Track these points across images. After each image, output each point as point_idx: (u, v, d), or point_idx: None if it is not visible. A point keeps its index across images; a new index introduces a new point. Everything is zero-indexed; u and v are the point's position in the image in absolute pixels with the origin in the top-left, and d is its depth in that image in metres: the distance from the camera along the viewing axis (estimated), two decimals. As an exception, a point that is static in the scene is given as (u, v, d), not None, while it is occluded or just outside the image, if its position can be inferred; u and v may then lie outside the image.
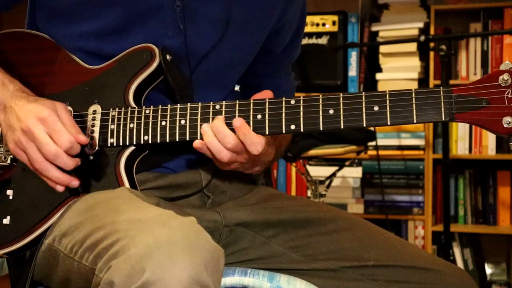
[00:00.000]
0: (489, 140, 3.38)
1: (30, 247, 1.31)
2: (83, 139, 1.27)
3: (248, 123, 1.26)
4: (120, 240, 1.06)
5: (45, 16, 1.41)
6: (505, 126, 1.16)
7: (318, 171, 3.40)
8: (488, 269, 3.53)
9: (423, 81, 3.44)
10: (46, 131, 1.24)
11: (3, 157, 1.37)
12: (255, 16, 1.43)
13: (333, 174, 3.13)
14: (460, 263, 3.43)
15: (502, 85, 1.17)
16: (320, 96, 1.25)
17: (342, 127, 1.23)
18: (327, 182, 3.10)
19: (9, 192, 1.34)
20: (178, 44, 1.36)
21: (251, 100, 1.28)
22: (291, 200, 1.50)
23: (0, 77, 1.31)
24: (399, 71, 3.43)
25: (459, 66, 3.45)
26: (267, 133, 1.26)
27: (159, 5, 1.34)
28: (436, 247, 3.47)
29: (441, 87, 1.20)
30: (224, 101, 1.29)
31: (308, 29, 3.44)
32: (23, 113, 1.25)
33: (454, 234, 3.43)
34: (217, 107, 1.28)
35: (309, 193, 3.22)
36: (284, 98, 1.26)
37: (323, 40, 3.48)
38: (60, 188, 1.27)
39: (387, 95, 1.21)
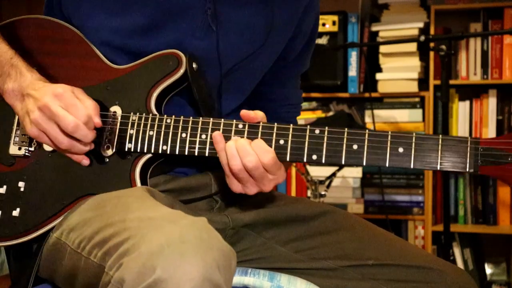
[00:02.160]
0: (489, 140, 3.38)
1: (36, 242, 1.31)
2: (98, 121, 1.27)
3: (270, 146, 1.25)
4: (131, 238, 1.05)
5: (73, 5, 1.40)
6: None
7: (318, 171, 3.40)
8: (488, 269, 3.52)
9: (423, 81, 3.44)
10: (62, 106, 1.24)
11: (17, 148, 1.36)
12: (286, 23, 1.43)
13: (333, 174, 3.13)
14: (460, 263, 3.43)
15: None
16: (346, 130, 1.24)
17: (364, 164, 1.22)
18: (327, 182, 3.10)
19: (21, 184, 1.34)
20: (206, 46, 1.36)
21: (275, 124, 1.27)
22: (292, 201, 1.51)
23: (19, 67, 1.31)
24: (399, 71, 3.43)
25: (459, 66, 3.45)
26: (287, 159, 1.26)
27: (189, 6, 1.34)
28: (436, 247, 3.47)
29: (469, 138, 1.20)
30: (247, 122, 1.27)
31: (308, 29, 3.44)
32: (39, 94, 1.25)
33: (454, 234, 3.43)
34: (240, 126, 1.27)
35: (309, 193, 3.21)
36: (308, 127, 1.25)
37: (323, 40, 3.47)
38: (86, 162, 1.29)
39: (414, 138, 1.20)
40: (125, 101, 1.33)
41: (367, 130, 1.23)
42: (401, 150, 1.20)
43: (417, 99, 3.42)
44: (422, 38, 2.78)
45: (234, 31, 1.37)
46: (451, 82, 3.30)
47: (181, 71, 1.31)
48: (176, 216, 1.10)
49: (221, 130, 1.27)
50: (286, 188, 3.69)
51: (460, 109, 3.41)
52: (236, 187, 1.28)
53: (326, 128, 1.24)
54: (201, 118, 1.29)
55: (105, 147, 1.30)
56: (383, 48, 3.45)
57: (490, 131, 3.36)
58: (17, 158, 1.36)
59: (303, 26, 1.50)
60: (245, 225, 1.40)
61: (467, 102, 3.40)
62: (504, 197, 3.43)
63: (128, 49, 1.36)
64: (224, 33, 1.36)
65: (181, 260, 0.98)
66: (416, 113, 3.43)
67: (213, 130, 1.28)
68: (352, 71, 3.51)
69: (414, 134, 1.21)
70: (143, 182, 1.29)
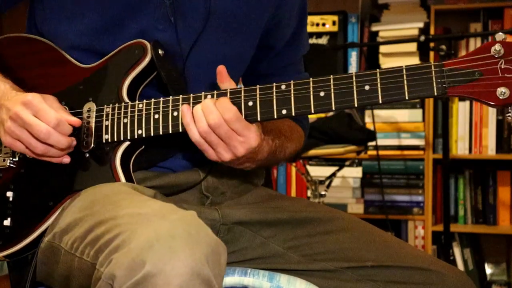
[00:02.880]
0: (489, 140, 3.38)
1: (31, 248, 1.31)
2: (74, 120, 1.29)
3: (240, 110, 1.26)
4: (121, 234, 1.06)
5: (42, 15, 1.42)
6: (499, 97, 1.15)
7: (318, 171, 3.40)
8: (488, 269, 3.53)
9: (423, 81, 3.44)
10: (32, 113, 1.25)
11: (2, 159, 1.37)
12: (241, 10, 1.42)
13: (333, 174, 3.13)
14: (460, 263, 3.43)
15: (495, 56, 1.15)
16: (311, 79, 1.25)
17: (333, 108, 1.22)
18: (327, 182, 3.10)
19: (9, 194, 1.35)
20: (169, 37, 1.37)
21: (242, 87, 1.28)
22: (290, 201, 1.51)
23: None
24: (399, 71, 3.43)
25: (459, 66, 3.45)
26: (258, 119, 1.27)
27: None
28: (436, 247, 3.47)
29: (432, 62, 1.19)
30: (215, 91, 1.29)
31: (308, 29, 3.43)
32: (10, 103, 1.27)
33: (454, 234, 3.43)
34: (209, 96, 1.28)
35: (309, 193, 3.22)
36: (274, 84, 1.26)
37: (323, 40, 3.48)
38: (66, 160, 1.30)
39: (378, 74, 1.21)
40: (98, 96, 1.35)
41: (331, 76, 1.23)
42: (367, 87, 1.20)
43: (417, 99, 3.42)
44: (422, 38, 2.78)
45: (187, 16, 1.38)
46: (451, 82, 3.30)
47: (147, 58, 1.33)
48: (166, 211, 1.11)
49: (191, 104, 1.28)
50: (286, 188, 3.69)
51: (460, 109, 3.41)
52: (211, 154, 1.28)
53: (292, 81, 1.26)
54: (170, 96, 1.31)
55: (84, 143, 1.32)
56: (383, 48, 3.45)
57: (490, 131, 3.36)
58: (2, 170, 1.37)
59: (284, 12, 1.49)
60: (238, 222, 1.40)
61: (467, 102, 3.40)
62: (504, 197, 3.44)
63: (96, 49, 1.37)
64: (181, 20, 1.37)
65: (170, 254, 0.98)
66: (416, 113, 3.43)
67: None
68: (352, 71, 3.51)
69: (377, 70, 1.21)
70: (125, 171, 1.31)
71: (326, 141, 2.93)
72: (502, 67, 1.15)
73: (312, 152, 2.90)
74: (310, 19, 3.44)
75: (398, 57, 3.43)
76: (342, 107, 1.22)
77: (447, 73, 1.17)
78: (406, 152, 3.47)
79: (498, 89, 1.15)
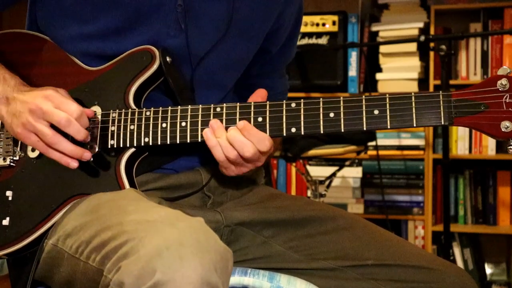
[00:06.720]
0: (489, 140, 3.38)
1: (31, 248, 1.30)
2: (89, 111, 1.29)
3: None
4: (129, 241, 1.06)
5: (46, 17, 1.41)
6: (503, 130, 1.17)
7: (318, 171, 3.40)
8: (488, 269, 3.53)
9: (423, 81, 3.44)
10: (54, 106, 1.25)
11: (2, 158, 1.36)
12: (256, 17, 1.43)
13: (333, 174, 3.13)
14: (460, 263, 3.43)
15: (500, 89, 1.18)
16: (321, 99, 1.26)
17: (342, 130, 1.24)
18: (327, 182, 3.10)
19: (9, 193, 1.34)
20: (180, 43, 1.37)
21: (252, 103, 1.28)
22: (291, 200, 1.51)
23: (1, 73, 1.32)
24: (399, 71, 3.43)
25: (459, 66, 3.45)
26: (268, 135, 1.27)
27: (160, 5, 1.34)
28: (436, 247, 3.47)
29: (441, 91, 1.21)
30: (224, 104, 1.29)
31: (308, 29, 3.44)
32: (28, 97, 1.26)
33: (454, 234, 3.44)
34: (218, 109, 1.28)
35: (309, 193, 3.21)
36: (284, 101, 1.27)
37: (323, 40, 3.47)
38: (74, 164, 1.28)
39: (387, 99, 1.22)
40: (104, 100, 1.34)
41: (341, 98, 1.25)
42: (376, 112, 1.22)
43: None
44: (422, 38, 2.78)
45: (201, 23, 1.38)
46: (451, 82, 3.30)
47: (155, 65, 1.33)
48: (173, 218, 1.11)
49: (199, 115, 1.29)
50: (286, 188, 3.69)
51: (460, 109, 3.41)
52: (231, 171, 1.31)
53: (302, 100, 1.27)
54: (179, 106, 1.31)
55: (89, 147, 1.31)
56: (383, 48, 3.45)
57: (490, 131, 3.36)
58: (2, 168, 1.36)
59: (285, 18, 1.51)
60: (240, 223, 1.40)
61: (467, 102, 3.40)
62: (504, 197, 3.44)
63: (105, 54, 1.37)
64: (193, 27, 1.37)
65: (180, 263, 0.98)
66: (416, 113, 3.42)
67: (192, 117, 1.30)
68: (352, 71, 3.51)
69: (387, 95, 1.23)
70: (129, 177, 1.30)
71: (326, 141, 2.93)
72: (507, 101, 1.18)
73: (312, 152, 2.90)
74: (310, 19, 3.44)
75: (398, 57, 3.44)
76: (351, 130, 1.24)
77: (454, 103, 1.20)
78: (406, 152, 3.47)
79: (502, 122, 1.18)
